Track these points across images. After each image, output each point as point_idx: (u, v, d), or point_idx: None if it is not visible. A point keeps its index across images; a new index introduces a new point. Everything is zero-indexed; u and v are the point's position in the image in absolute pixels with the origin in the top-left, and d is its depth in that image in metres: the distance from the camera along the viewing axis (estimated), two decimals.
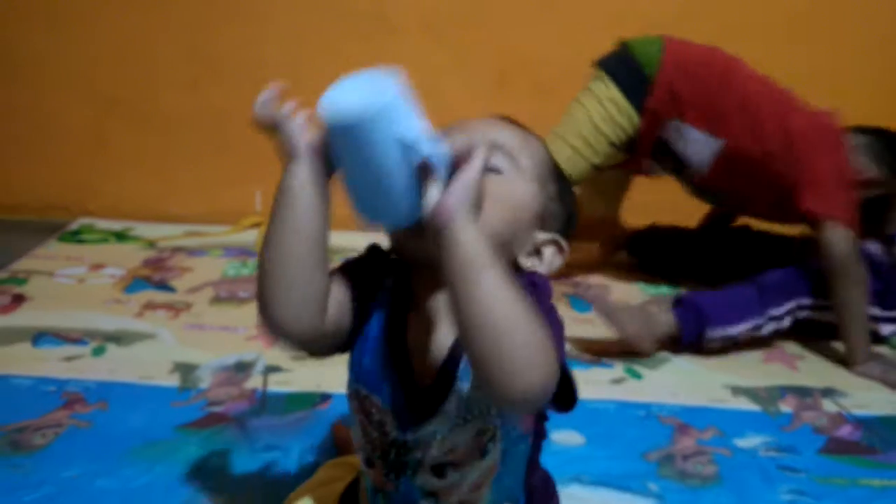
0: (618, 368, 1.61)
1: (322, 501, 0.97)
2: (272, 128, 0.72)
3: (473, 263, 0.64)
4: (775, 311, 1.67)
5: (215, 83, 2.32)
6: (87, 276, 1.98)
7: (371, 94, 0.67)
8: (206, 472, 1.22)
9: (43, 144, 2.38)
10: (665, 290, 2.03)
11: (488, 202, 0.72)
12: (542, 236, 0.81)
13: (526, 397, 0.63)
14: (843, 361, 1.68)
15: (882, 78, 2.24)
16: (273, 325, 0.72)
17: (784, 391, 1.56)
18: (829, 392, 1.57)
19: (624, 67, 1.77)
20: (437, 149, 0.69)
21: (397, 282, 0.82)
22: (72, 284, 1.93)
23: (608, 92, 1.76)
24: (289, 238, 0.71)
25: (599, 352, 1.65)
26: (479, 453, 0.81)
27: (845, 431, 1.43)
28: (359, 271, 0.82)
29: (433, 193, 0.67)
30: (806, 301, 1.70)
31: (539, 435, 0.88)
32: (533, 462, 0.90)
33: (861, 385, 1.59)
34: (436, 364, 0.79)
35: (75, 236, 2.24)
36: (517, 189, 0.79)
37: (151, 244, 2.21)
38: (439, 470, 0.82)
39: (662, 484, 1.25)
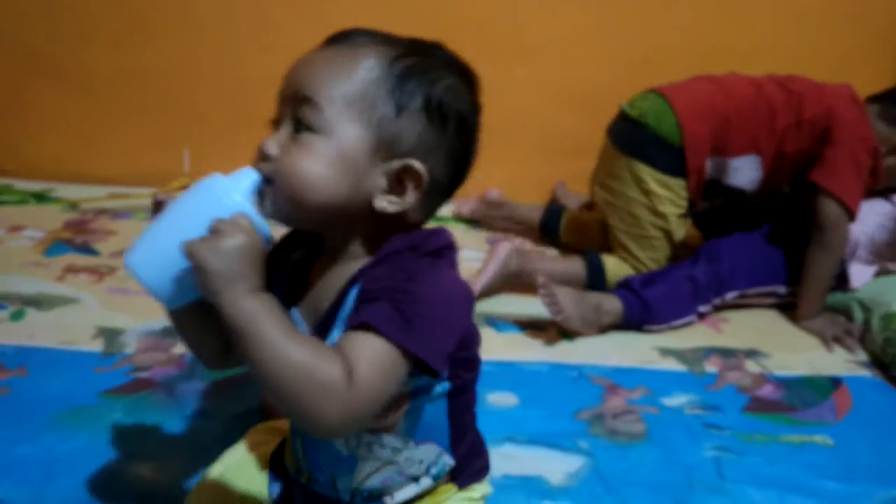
0: (551, 331, 1.63)
1: (251, 466, 0.95)
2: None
3: (245, 332, 0.64)
4: (703, 308, 1.72)
5: (143, 40, 2.22)
6: (5, 238, 1.90)
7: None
8: (132, 439, 1.19)
9: None
10: None
11: (314, 167, 0.70)
12: (394, 164, 0.72)
13: (328, 431, 0.66)
14: (767, 324, 1.74)
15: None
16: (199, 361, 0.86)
17: (709, 352, 1.61)
18: (752, 353, 1.61)
19: (654, 149, 1.72)
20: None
21: (305, 254, 0.83)
22: None
23: (655, 175, 1.72)
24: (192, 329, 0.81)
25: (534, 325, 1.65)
26: None
27: (767, 391, 1.48)
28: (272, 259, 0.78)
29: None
30: (732, 295, 1.76)
31: (462, 389, 0.83)
32: (460, 416, 0.84)
33: (783, 347, 1.65)
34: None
35: None
36: (337, 136, 0.70)
37: (73, 206, 2.12)
38: None
39: (593, 441, 1.27)
